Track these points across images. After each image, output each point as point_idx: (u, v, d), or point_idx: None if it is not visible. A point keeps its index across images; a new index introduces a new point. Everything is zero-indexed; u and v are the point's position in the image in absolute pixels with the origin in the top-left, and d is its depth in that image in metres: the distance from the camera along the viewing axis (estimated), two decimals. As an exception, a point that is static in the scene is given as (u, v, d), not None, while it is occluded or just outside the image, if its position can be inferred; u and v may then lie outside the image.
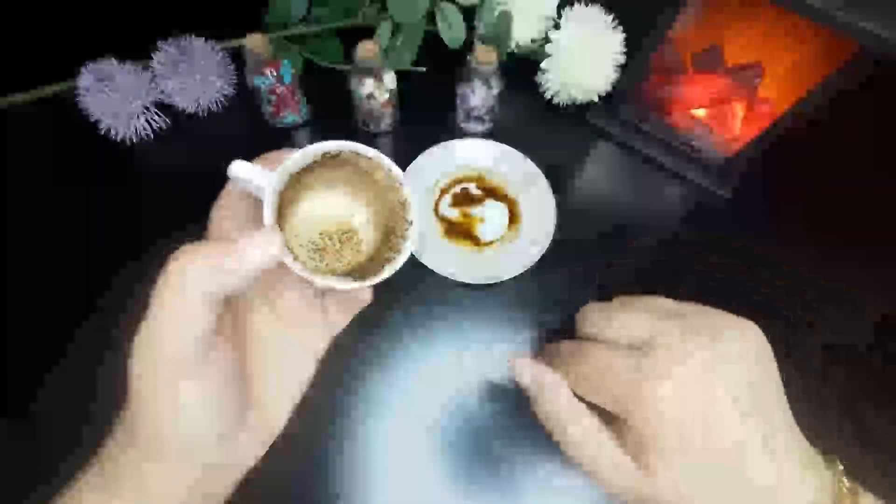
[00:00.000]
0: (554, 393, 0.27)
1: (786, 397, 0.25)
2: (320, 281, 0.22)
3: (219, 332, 0.20)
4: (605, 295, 0.42)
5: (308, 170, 0.25)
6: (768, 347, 0.26)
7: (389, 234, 0.26)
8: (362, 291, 0.27)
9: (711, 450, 0.24)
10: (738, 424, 0.23)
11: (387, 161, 0.25)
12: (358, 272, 0.24)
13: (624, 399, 0.25)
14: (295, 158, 0.23)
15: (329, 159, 0.25)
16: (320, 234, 0.27)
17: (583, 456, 0.26)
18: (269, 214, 0.21)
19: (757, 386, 0.24)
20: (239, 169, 0.22)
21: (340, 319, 0.27)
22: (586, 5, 0.47)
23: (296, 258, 0.22)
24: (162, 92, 0.47)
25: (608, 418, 0.26)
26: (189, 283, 0.18)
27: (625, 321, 0.27)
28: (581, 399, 0.27)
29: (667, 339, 0.25)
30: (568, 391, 0.27)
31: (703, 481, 0.24)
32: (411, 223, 0.26)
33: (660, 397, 0.24)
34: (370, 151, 0.25)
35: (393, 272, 0.24)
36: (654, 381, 0.24)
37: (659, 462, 0.24)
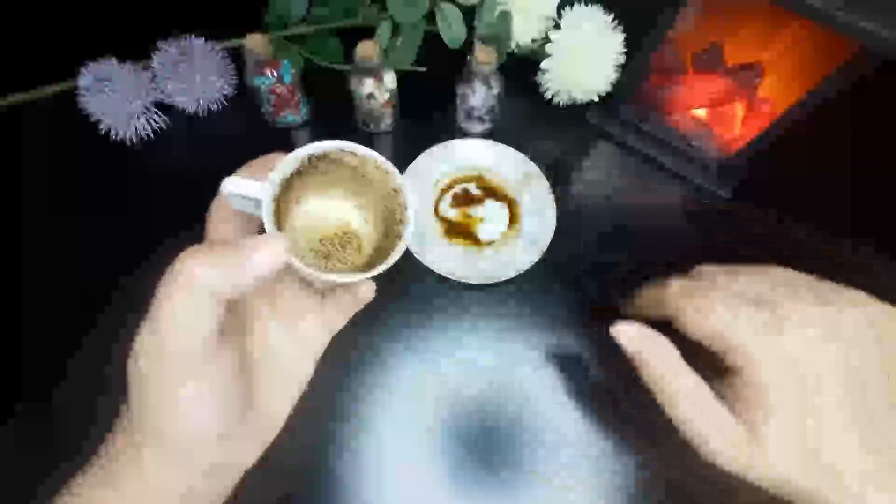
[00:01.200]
0: (661, 354, 0.26)
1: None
2: (326, 277, 0.22)
3: (224, 333, 0.20)
4: (605, 295, 0.42)
5: (300, 177, 0.25)
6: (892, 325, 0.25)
7: (389, 226, 0.26)
8: (365, 290, 0.27)
9: (827, 427, 0.23)
10: (846, 402, 0.23)
11: (373, 153, 0.25)
12: (364, 270, 0.25)
13: (746, 346, 0.24)
14: (285, 165, 0.23)
15: (318, 162, 0.25)
16: (321, 240, 0.27)
17: (687, 417, 0.25)
18: (268, 221, 0.22)
19: (870, 363, 0.24)
20: (232, 185, 0.22)
21: (339, 319, 0.27)
22: (586, 5, 0.47)
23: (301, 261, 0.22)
24: (162, 92, 0.47)
25: (711, 380, 0.26)
26: (198, 284, 0.18)
27: (752, 280, 0.27)
28: (686, 354, 0.26)
29: (800, 300, 0.25)
30: (674, 354, 0.26)
31: (814, 455, 0.23)
32: (407, 208, 0.26)
33: (780, 352, 0.24)
34: (356, 148, 0.25)
35: (397, 258, 0.24)
36: (782, 333, 0.24)
37: (764, 418, 0.24)
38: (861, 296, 0.26)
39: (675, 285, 0.28)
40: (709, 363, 0.26)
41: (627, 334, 0.27)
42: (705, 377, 0.26)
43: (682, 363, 0.26)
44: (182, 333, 0.18)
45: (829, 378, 0.23)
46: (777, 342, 0.24)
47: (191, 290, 0.18)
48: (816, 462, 0.23)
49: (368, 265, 0.25)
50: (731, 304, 0.25)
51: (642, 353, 0.27)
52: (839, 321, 0.24)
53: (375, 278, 0.24)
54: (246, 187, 0.22)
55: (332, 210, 0.27)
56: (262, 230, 0.22)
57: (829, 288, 0.26)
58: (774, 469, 0.24)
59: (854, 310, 0.25)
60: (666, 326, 0.28)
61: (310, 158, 0.24)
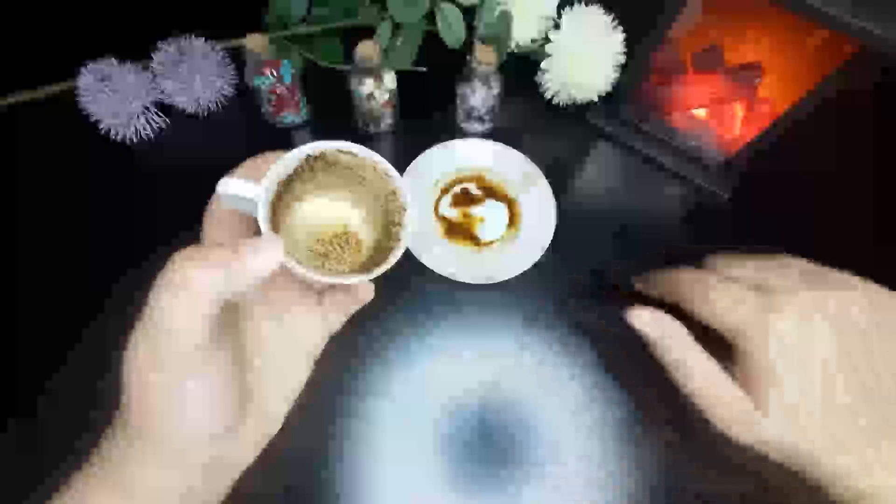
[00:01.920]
0: (674, 336, 0.28)
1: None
2: (323, 279, 0.22)
3: (219, 334, 0.20)
4: (605, 294, 0.42)
5: (297, 177, 0.24)
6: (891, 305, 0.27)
7: (388, 228, 0.26)
8: (364, 290, 0.27)
9: (821, 397, 0.25)
10: (853, 379, 0.25)
11: (371, 153, 0.25)
12: (362, 270, 0.25)
13: (746, 327, 0.26)
14: (281, 166, 0.23)
15: (316, 162, 0.25)
16: (319, 240, 0.27)
17: (701, 391, 0.27)
18: (264, 222, 0.21)
19: (869, 344, 0.25)
20: (228, 185, 0.22)
21: (338, 319, 0.27)
22: (586, 5, 0.47)
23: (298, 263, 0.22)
24: (162, 92, 0.47)
25: (722, 358, 0.27)
26: (191, 286, 0.18)
27: (759, 266, 0.29)
28: (698, 334, 0.28)
29: (797, 285, 0.27)
30: (687, 333, 0.28)
31: (811, 420, 0.25)
32: (406, 209, 0.25)
33: (782, 329, 0.25)
34: (353, 147, 0.25)
35: (395, 261, 0.24)
36: (778, 314, 0.25)
37: (767, 391, 0.25)
38: (866, 282, 0.27)
39: (684, 273, 0.30)
40: (714, 344, 0.28)
41: (642, 318, 0.29)
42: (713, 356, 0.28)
43: (693, 342, 0.28)
44: (176, 335, 0.18)
45: (829, 354, 0.25)
46: (777, 322, 0.25)
47: (184, 292, 0.18)
48: (820, 429, 0.25)
49: (367, 265, 0.25)
50: (733, 289, 0.27)
51: (656, 334, 0.29)
52: (838, 304, 0.26)
53: (374, 279, 0.24)
54: (241, 188, 0.22)
55: (330, 210, 0.27)
56: (259, 231, 0.22)
57: (834, 275, 0.28)
58: (779, 437, 0.26)
59: (855, 293, 0.26)
60: (675, 310, 0.30)
61: (307, 158, 0.24)
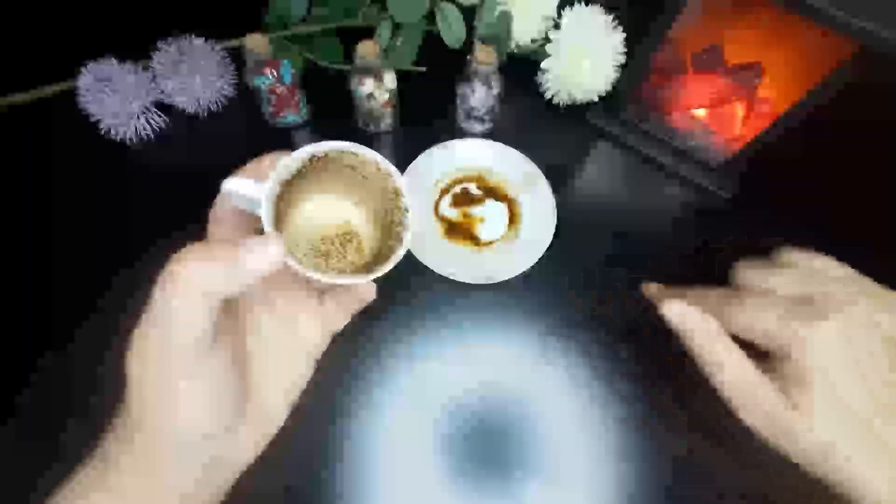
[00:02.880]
0: (705, 328, 0.28)
1: None
2: (325, 279, 0.22)
3: (219, 332, 0.20)
4: (604, 295, 0.42)
5: (300, 177, 0.25)
6: None
7: (389, 228, 0.26)
8: (366, 290, 0.27)
9: (860, 402, 0.25)
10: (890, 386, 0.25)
11: (373, 154, 0.25)
12: (364, 270, 0.25)
13: (783, 336, 0.26)
14: (284, 165, 0.23)
15: (319, 162, 0.25)
16: (321, 239, 0.27)
17: (731, 385, 0.27)
18: (267, 221, 0.22)
19: None
20: (232, 185, 0.22)
21: (340, 319, 0.27)
22: (586, 5, 0.47)
23: (300, 262, 0.22)
24: (162, 92, 0.47)
25: (759, 356, 0.27)
26: (192, 284, 0.18)
27: (790, 275, 0.28)
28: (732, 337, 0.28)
29: (832, 293, 0.26)
30: (718, 326, 0.28)
31: (848, 429, 0.25)
32: (407, 210, 0.26)
33: (821, 337, 0.25)
34: (356, 147, 0.25)
35: (395, 263, 0.24)
36: (817, 322, 0.25)
37: (809, 391, 0.25)
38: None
39: (713, 297, 0.30)
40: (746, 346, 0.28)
41: (674, 310, 0.29)
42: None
43: (725, 336, 0.28)
44: (177, 332, 0.18)
45: (874, 367, 0.25)
46: (822, 329, 0.25)
47: (185, 289, 0.18)
48: (859, 438, 0.25)
49: (369, 265, 0.25)
50: (772, 299, 0.27)
51: (689, 326, 0.29)
52: (878, 311, 0.26)
53: (375, 279, 0.24)
54: (246, 187, 0.22)
55: (332, 210, 0.27)
56: (263, 230, 0.22)
57: (866, 280, 0.28)
58: (813, 440, 0.25)
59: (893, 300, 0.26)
60: None
61: (311, 158, 0.24)
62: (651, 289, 0.34)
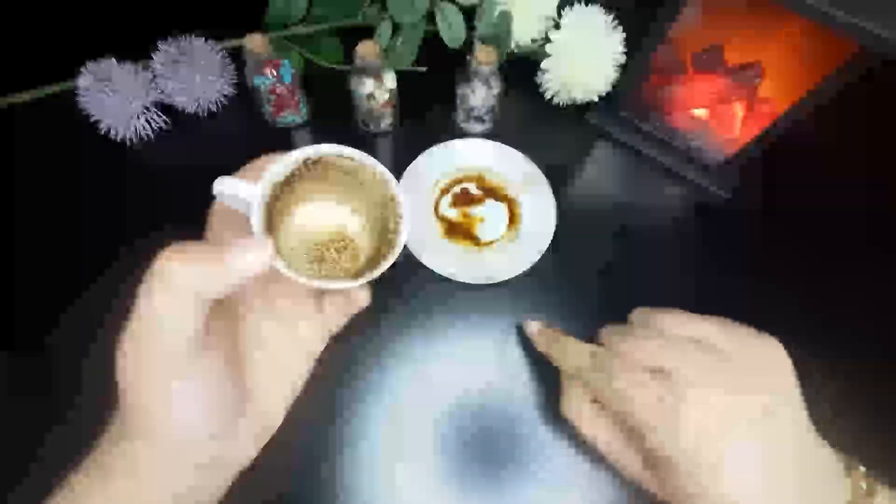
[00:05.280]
0: (572, 392, 0.31)
1: (805, 413, 0.26)
2: (311, 283, 0.22)
3: (212, 332, 0.20)
4: (604, 296, 0.42)
5: (295, 180, 0.24)
6: (788, 364, 0.27)
7: (384, 234, 0.26)
8: (359, 295, 0.27)
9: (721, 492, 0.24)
10: (753, 475, 0.24)
11: (369, 159, 0.25)
12: (357, 276, 0.24)
13: (645, 420, 0.26)
14: (277, 168, 0.23)
15: (315, 165, 0.24)
16: (316, 244, 0.27)
17: (599, 449, 0.31)
18: (257, 223, 0.21)
19: (776, 419, 0.25)
20: (224, 185, 0.22)
21: (337, 320, 0.27)
22: (586, 5, 0.47)
23: (290, 266, 0.22)
24: (162, 92, 0.47)
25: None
26: (180, 283, 0.18)
27: (646, 348, 0.28)
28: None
29: (690, 371, 0.26)
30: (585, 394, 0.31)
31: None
32: (402, 217, 0.25)
33: (681, 427, 0.25)
34: (352, 152, 0.24)
35: (385, 269, 0.24)
36: (673, 414, 0.25)
37: (671, 482, 0.26)
38: (754, 339, 0.27)
39: (587, 364, 0.30)
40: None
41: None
42: None
43: (590, 405, 0.31)
44: (164, 333, 0.18)
45: (747, 448, 0.25)
46: (669, 416, 0.25)
47: (171, 289, 0.18)
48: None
49: (363, 270, 0.25)
50: (628, 378, 0.27)
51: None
52: (741, 402, 0.25)
53: (371, 282, 0.24)
54: (236, 188, 0.22)
55: (328, 214, 0.27)
56: None
57: (725, 336, 0.27)
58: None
59: (754, 396, 0.25)
60: None
61: (305, 162, 0.24)
62: (531, 327, 0.36)
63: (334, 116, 0.49)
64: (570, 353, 0.31)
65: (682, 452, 0.25)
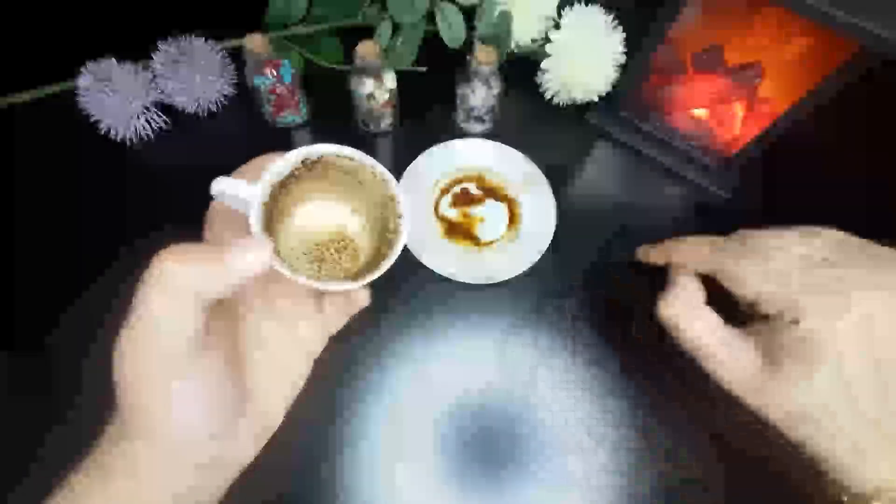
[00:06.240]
0: (682, 297, 0.28)
1: None
2: (310, 284, 0.22)
3: (212, 332, 0.20)
4: (604, 295, 0.42)
5: (294, 180, 0.24)
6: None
7: (384, 234, 0.26)
8: (359, 295, 0.27)
9: (868, 402, 0.24)
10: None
11: (369, 159, 0.25)
12: (357, 276, 0.24)
13: (799, 308, 0.25)
14: (276, 167, 0.23)
15: (314, 165, 0.24)
16: (316, 244, 0.27)
17: (709, 351, 0.27)
18: (255, 223, 0.21)
19: None
20: (222, 185, 0.22)
21: (337, 320, 0.27)
22: (586, 5, 0.47)
23: (290, 266, 0.22)
24: (162, 92, 0.47)
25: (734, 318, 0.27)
26: (179, 284, 0.18)
27: (806, 244, 0.27)
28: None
29: (855, 266, 0.26)
30: (698, 296, 0.28)
31: (847, 419, 0.24)
32: (402, 217, 0.25)
33: (843, 328, 0.24)
34: (352, 151, 0.24)
35: (385, 270, 0.24)
36: (844, 308, 0.24)
37: (800, 371, 0.24)
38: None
39: (724, 247, 0.29)
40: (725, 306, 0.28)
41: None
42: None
43: (703, 303, 0.28)
44: (164, 334, 0.18)
45: (885, 353, 0.24)
46: (847, 319, 0.24)
47: (168, 290, 0.18)
48: (851, 418, 0.24)
49: (363, 271, 0.25)
50: (791, 267, 0.26)
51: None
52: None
53: (371, 282, 0.24)
54: (235, 188, 0.22)
55: (328, 214, 0.27)
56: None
57: (885, 252, 0.27)
58: (801, 409, 0.25)
59: None
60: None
61: (304, 161, 0.24)
62: (645, 252, 0.34)
63: (334, 116, 0.49)
64: (712, 254, 0.30)
65: (843, 334, 0.24)
